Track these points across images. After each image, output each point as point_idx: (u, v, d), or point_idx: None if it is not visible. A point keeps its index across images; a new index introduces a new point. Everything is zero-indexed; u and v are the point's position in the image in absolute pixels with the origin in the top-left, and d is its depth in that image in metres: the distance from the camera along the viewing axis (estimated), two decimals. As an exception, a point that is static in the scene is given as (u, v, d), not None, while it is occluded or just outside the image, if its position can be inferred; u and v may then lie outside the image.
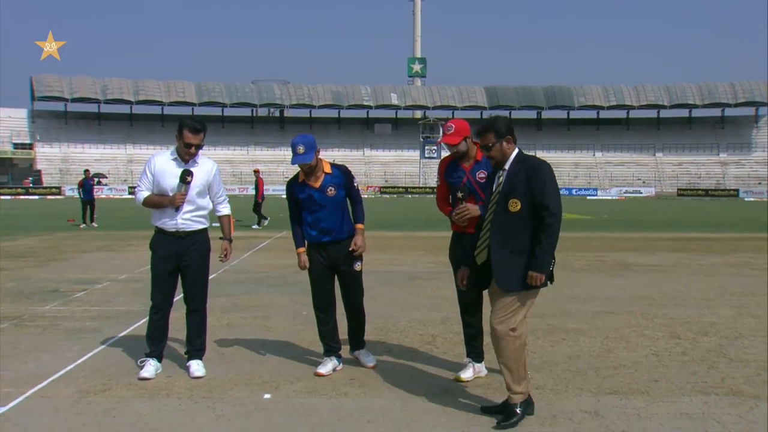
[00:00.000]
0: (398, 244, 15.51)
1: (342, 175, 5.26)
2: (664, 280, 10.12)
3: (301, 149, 5.04)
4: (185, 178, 5.03)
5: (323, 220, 5.18)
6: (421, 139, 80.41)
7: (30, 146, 79.39)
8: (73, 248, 14.47)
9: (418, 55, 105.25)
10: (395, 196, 70.37)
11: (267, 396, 4.64)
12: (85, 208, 21.66)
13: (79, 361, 5.46)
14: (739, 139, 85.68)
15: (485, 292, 4.51)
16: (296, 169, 5.25)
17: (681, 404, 4.48)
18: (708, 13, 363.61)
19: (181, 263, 5.16)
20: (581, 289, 9.13)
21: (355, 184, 5.36)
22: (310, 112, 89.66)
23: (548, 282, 4.26)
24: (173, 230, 5.12)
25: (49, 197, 61.82)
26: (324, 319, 5.36)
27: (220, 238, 5.38)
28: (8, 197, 59.63)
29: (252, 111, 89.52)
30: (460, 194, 4.74)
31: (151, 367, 5.08)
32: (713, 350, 5.90)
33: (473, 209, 4.67)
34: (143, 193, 5.15)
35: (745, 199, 65.47)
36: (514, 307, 4.08)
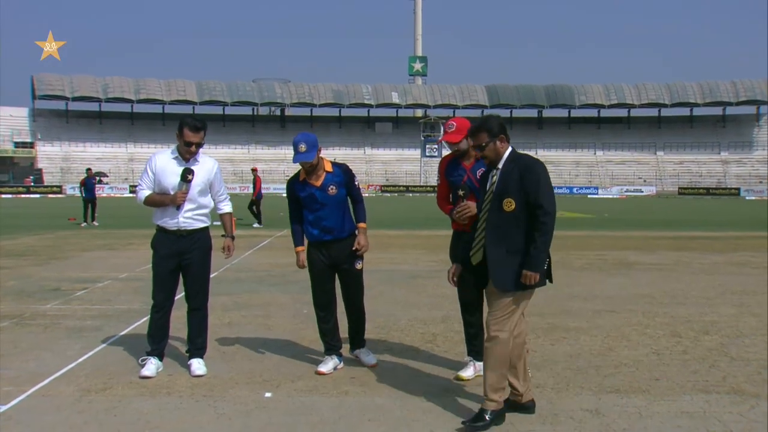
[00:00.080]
0: (399, 243, 15.51)
1: (343, 173, 5.26)
2: (665, 278, 10.12)
3: (302, 147, 5.03)
4: (186, 176, 5.03)
5: (324, 219, 5.18)
6: (422, 138, 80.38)
7: (31, 145, 79.42)
8: (74, 247, 14.48)
9: (419, 53, 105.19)
10: (396, 194, 70.37)
11: (268, 394, 4.65)
12: (87, 207, 21.69)
13: (80, 360, 5.46)
14: (740, 138, 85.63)
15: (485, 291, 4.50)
16: (297, 167, 5.25)
17: (682, 403, 4.48)
18: (709, 11, 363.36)
19: (182, 262, 5.16)
20: (582, 288, 9.13)
21: (356, 183, 5.36)
22: (311, 110, 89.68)
23: (547, 281, 4.25)
24: (175, 229, 5.12)
25: (50, 196, 61.83)
26: (324, 317, 5.36)
27: (222, 235, 5.39)
28: (9, 196, 59.66)
29: (253, 110, 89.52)
30: (461, 192, 4.74)
31: (152, 366, 5.08)
32: (714, 349, 5.90)
33: (474, 207, 4.67)
34: (144, 192, 5.15)
35: (746, 198, 65.44)
36: (511, 308, 4.07)
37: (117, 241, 15.69)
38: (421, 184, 76.86)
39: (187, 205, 5.10)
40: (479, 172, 4.86)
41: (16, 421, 4.11)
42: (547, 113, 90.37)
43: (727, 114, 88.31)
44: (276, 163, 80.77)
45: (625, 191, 73.18)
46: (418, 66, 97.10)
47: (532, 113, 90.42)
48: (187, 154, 5.10)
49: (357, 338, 5.52)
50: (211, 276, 5.49)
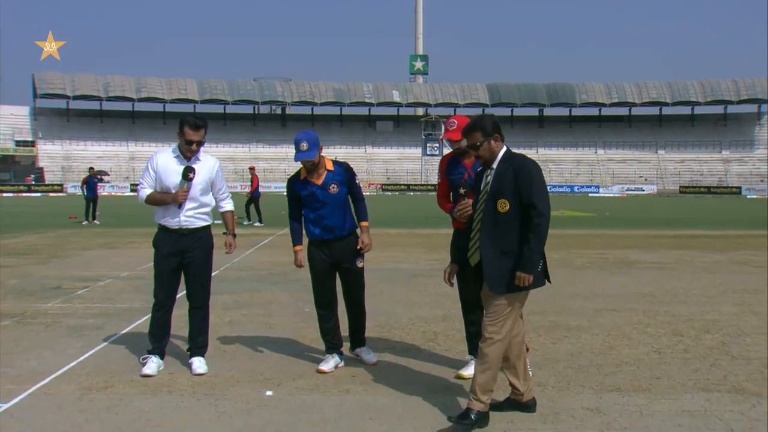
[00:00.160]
0: (400, 242, 15.51)
1: (344, 172, 5.26)
2: (666, 277, 10.11)
3: (304, 146, 5.03)
4: (187, 175, 5.03)
5: (326, 218, 5.18)
6: (423, 137, 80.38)
7: (32, 144, 79.48)
8: (75, 245, 14.49)
9: (420, 52, 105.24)
10: (397, 193, 70.37)
11: (269, 393, 4.65)
12: (89, 205, 21.72)
13: (81, 358, 5.46)
14: (741, 137, 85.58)
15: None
16: (298, 166, 5.24)
17: (683, 401, 4.48)
18: (710, 9, 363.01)
19: (184, 260, 5.16)
20: (583, 287, 9.13)
21: (357, 182, 5.36)
22: (312, 109, 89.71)
23: (546, 281, 4.24)
24: (176, 227, 5.12)
25: (51, 195, 61.87)
26: (325, 316, 5.36)
27: (224, 233, 5.40)
28: (10, 195, 59.70)
29: (254, 108, 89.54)
30: (462, 190, 4.73)
31: (153, 364, 5.09)
32: (715, 347, 5.89)
33: (475, 206, 4.67)
34: (146, 191, 5.15)
35: (748, 197, 65.40)
36: (506, 310, 4.03)
37: (118, 240, 15.70)
38: (422, 182, 76.87)
39: (189, 204, 5.10)
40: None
41: (17, 420, 4.11)
42: (548, 112, 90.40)
43: (729, 112, 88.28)
44: (277, 161, 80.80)
45: (626, 190, 73.16)
46: (419, 64, 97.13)
47: (533, 112, 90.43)
48: (188, 152, 5.10)
49: (358, 337, 5.52)
50: (212, 274, 5.49)
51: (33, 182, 69.65)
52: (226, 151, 78.72)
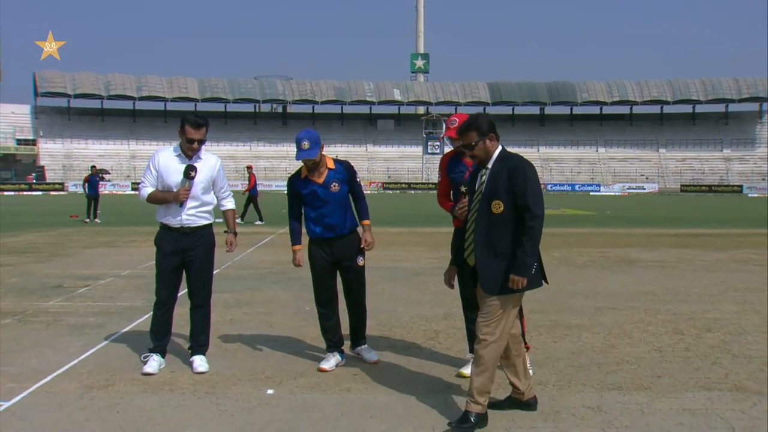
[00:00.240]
0: (401, 240, 15.51)
1: (345, 170, 5.26)
2: (667, 276, 10.11)
3: (305, 145, 5.02)
4: (189, 173, 5.03)
5: (327, 216, 5.18)
6: (424, 135, 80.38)
7: (33, 142, 79.54)
8: (76, 244, 14.49)
9: (421, 50, 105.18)
10: (398, 192, 70.37)
11: (270, 391, 4.65)
12: (90, 204, 21.74)
13: (82, 357, 5.47)
14: (742, 135, 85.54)
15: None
16: (299, 164, 5.24)
17: (684, 400, 4.47)
18: (712, 7, 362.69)
19: (185, 259, 5.16)
20: (584, 285, 9.12)
21: (358, 180, 5.36)
22: (313, 107, 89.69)
23: (542, 282, 4.22)
24: (178, 226, 5.12)
25: (52, 193, 61.92)
26: (326, 314, 5.36)
27: (225, 231, 5.40)
28: (11, 193, 59.76)
29: (255, 107, 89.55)
30: (463, 189, 4.73)
31: (154, 363, 5.09)
32: (716, 346, 5.89)
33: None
34: (147, 189, 5.15)
35: (749, 195, 65.37)
36: (499, 312, 4.00)
37: (119, 238, 15.71)
38: (423, 181, 76.87)
39: (190, 203, 5.10)
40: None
41: (18, 418, 4.11)
42: (550, 110, 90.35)
43: (730, 111, 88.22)
44: (278, 160, 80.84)
45: (628, 188, 73.16)
46: (420, 63, 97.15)
47: (535, 110, 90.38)
48: (189, 151, 5.11)
49: (358, 335, 5.52)
50: (214, 273, 5.49)
51: (34, 181, 69.75)
52: (227, 150, 78.71)
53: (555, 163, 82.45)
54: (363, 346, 5.51)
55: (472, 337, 5.14)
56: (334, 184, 5.16)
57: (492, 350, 3.99)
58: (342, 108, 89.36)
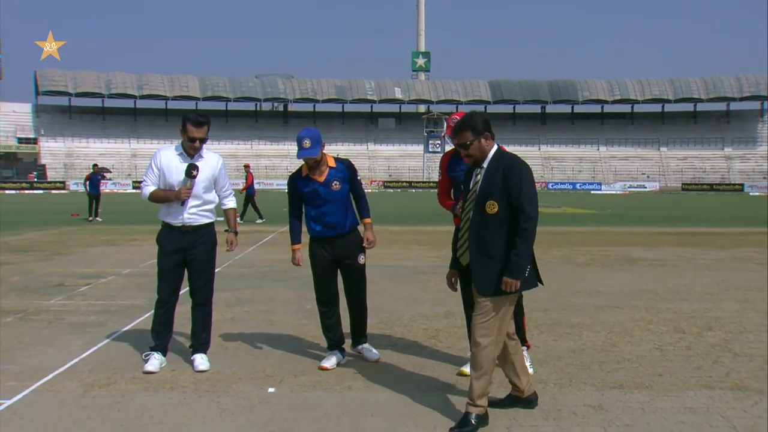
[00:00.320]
0: (402, 239, 15.51)
1: (346, 169, 5.26)
2: (668, 274, 10.11)
3: (307, 143, 5.02)
4: (191, 172, 5.03)
5: (328, 215, 5.18)
6: (425, 134, 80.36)
7: (34, 141, 79.57)
8: (77, 242, 14.50)
9: (422, 49, 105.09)
10: (399, 190, 70.36)
11: (271, 390, 4.65)
12: (91, 202, 21.76)
13: (83, 355, 5.47)
14: (744, 134, 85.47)
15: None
16: (300, 163, 5.24)
17: (685, 399, 4.47)
18: (713, 6, 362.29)
19: (187, 257, 5.17)
20: (585, 284, 9.12)
21: (359, 178, 5.36)
22: (314, 106, 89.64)
23: (537, 283, 4.21)
24: (180, 225, 5.13)
25: (53, 192, 61.95)
26: (327, 313, 5.36)
27: (226, 230, 5.40)
28: (13, 192, 59.81)
29: (256, 105, 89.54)
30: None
31: (155, 361, 5.09)
32: (718, 345, 5.89)
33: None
34: (149, 188, 5.15)
35: (750, 194, 65.33)
36: (493, 314, 3.97)
37: (120, 237, 15.72)
38: (424, 179, 76.87)
39: (192, 201, 5.10)
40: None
41: (19, 416, 4.12)
42: (551, 109, 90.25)
43: (731, 109, 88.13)
44: (279, 158, 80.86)
45: (629, 187, 73.13)
46: (421, 61, 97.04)
47: (536, 109, 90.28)
48: (191, 150, 5.11)
49: (359, 333, 5.52)
50: (215, 271, 5.49)
51: (35, 179, 69.76)
52: (228, 148, 78.71)
53: (556, 161, 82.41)
54: (364, 345, 5.51)
55: (473, 335, 5.14)
56: (335, 182, 5.16)
57: (489, 353, 3.98)
58: (343, 106, 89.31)
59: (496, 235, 3.95)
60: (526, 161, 4.11)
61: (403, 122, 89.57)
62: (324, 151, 5.19)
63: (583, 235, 16.69)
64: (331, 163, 5.22)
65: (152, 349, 5.18)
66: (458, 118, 4.93)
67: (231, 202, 5.45)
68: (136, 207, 28.62)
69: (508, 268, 3.90)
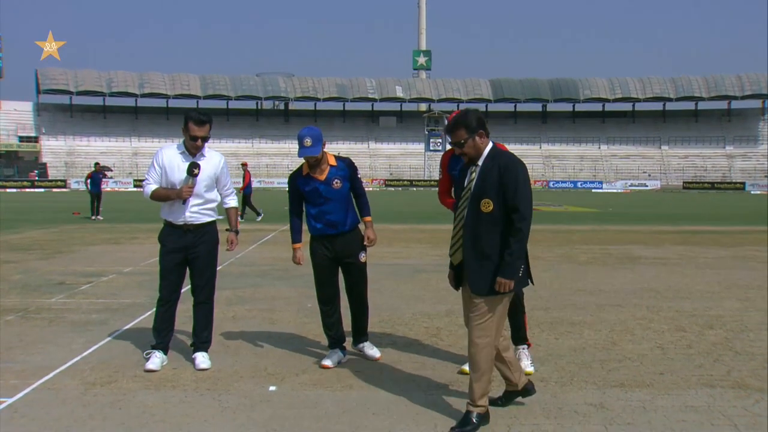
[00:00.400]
0: (403, 237, 15.51)
1: (347, 167, 5.26)
2: (669, 273, 10.10)
3: (308, 142, 5.03)
4: (192, 170, 5.04)
5: (329, 213, 5.18)
6: (426, 132, 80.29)
7: (35, 139, 79.58)
8: (78, 241, 14.51)
9: (423, 47, 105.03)
10: (400, 189, 70.35)
11: (272, 388, 4.66)
12: (93, 201, 21.77)
13: (85, 353, 5.48)
14: (745, 132, 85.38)
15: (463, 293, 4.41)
16: (301, 161, 5.24)
17: (686, 397, 4.47)
18: (714, 4, 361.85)
19: (189, 255, 5.17)
20: (587, 282, 9.12)
21: (359, 177, 5.36)
22: (315, 104, 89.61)
23: (528, 282, 4.20)
24: (181, 223, 5.13)
25: (54, 190, 61.98)
26: (328, 311, 5.36)
27: (227, 229, 5.40)
28: (14, 190, 59.83)
29: (257, 104, 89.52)
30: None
31: (156, 359, 5.10)
32: (719, 343, 5.89)
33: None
34: (151, 187, 5.15)
35: (752, 192, 65.26)
36: (488, 314, 3.95)
37: (121, 236, 15.72)
38: (425, 178, 76.83)
39: (194, 200, 5.11)
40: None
41: (21, 414, 4.12)
42: (552, 107, 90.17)
43: (733, 108, 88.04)
44: (280, 157, 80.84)
45: (630, 185, 73.05)
46: (422, 60, 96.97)
47: (537, 107, 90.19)
48: (193, 148, 5.11)
49: (360, 332, 5.52)
50: (217, 270, 5.49)
51: (36, 178, 69.77)
52: (229, 147, 78.70)
53: (557, 160, 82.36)
54: (365, 343, 5.51)
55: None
56: (336, 180, 5.16)
57: (487, 353, 3.97)
58: (344, 105, 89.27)
59: (490, 234, 3.93)
60: (525, 160, 4.08)
61: (404, 121, 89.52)
62: (325, 150, 5.20)
63: (585, 234, 16.69)
64: (332, 161, 5.22)
65: (153, 348, 5.19)
66: (459, 116, 4.94)
67: (233, 201, 5.45)
68: (138, 205, 28.62)
69: (501, 269, 3.88)
